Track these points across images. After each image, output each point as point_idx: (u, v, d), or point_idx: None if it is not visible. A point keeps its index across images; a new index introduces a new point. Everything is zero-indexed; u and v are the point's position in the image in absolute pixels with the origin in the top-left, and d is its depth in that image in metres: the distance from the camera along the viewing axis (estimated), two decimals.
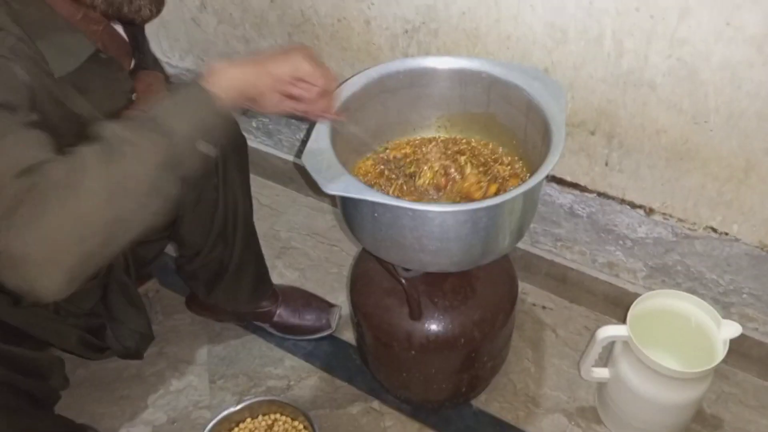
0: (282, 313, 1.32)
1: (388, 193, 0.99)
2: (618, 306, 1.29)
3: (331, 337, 1.33)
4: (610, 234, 1.23)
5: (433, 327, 1.04)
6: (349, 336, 1.33)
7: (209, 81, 0.74)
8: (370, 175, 1.04)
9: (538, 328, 1.33)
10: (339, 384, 1.26)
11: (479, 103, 1.05)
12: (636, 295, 1.20)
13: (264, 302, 1.31)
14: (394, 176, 1.03)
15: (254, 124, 1.61)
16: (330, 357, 1.31)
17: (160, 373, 1.29)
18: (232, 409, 1.13)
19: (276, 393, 1.24)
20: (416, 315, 1.04)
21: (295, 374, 1.28)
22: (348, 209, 0.92)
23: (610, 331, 1.05)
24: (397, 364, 1.11)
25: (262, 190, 1.65)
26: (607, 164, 1.13)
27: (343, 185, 0.82)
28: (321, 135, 0.90)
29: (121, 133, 0.69)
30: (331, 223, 1.58)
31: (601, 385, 1.17)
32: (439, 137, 1.11)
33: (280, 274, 1.46)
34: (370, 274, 1.12)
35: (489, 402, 1.22)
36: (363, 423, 1.20)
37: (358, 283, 1.13)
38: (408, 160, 1.06)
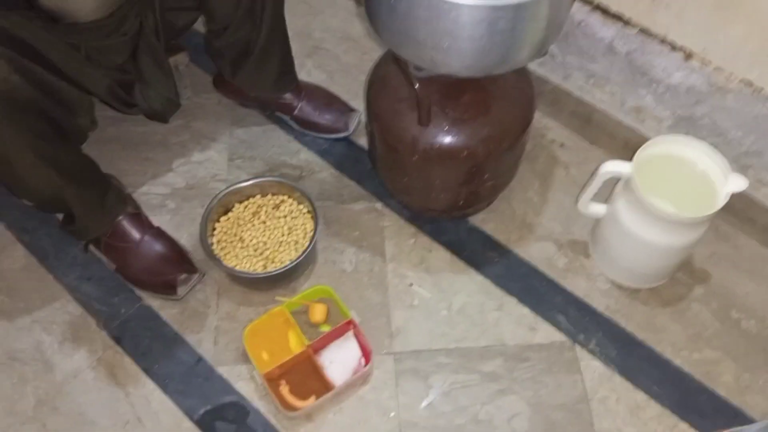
0: (303, 108, 1.35)
1: None
2: (636, 153, 1.28)
3: (347, 139, 1.37)
4: (645, 76, 1.19)
5: (439, 135, 1.06)
6: (364, 142, 1.37)
7: None
8: None
9: (551, 163, 1.34)
10: (347, 182, 1.32)
11: None
12: None
13: (287, 94, 1.33)
14: None
15: None
16: (343, 157, 1.35)
17: (184, 143, 1.36)
18: (244, 183, 1.21)
19: (288, 180, 1.31)
20: (424, 121, 1.05)
21: (308, 167, 1.34)
22: None
23: (613, 166, 1.06)
24: (401, 168, 1.15)
25: None
26: None
27: None
28: None
29: None
30: (366, 30, 1.56)
31: (596, 222, 1.20)
32: None
33: (308, 73, 1.47)
34: (388, 79, 1.12)
35: (485, 221, 1.27)
36: (363, 219, 1.27)
37: (374, 86, 1.14)
38: None
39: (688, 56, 1.09)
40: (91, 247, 1.21)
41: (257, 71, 1.25)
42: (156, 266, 1.14)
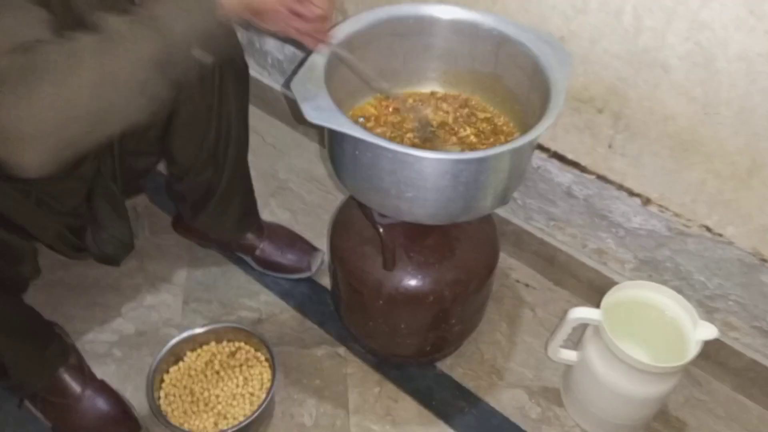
0: (265, 248, 1.32)
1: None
2: (601, 294, 1.25)
3: (309, 279, 1.33)
4: (604, 220, 1.20)
5: (405, 280, 1.03)
6: (327, 282, 1.33)
7: None
8: (367, 117, 1.03)
9: (517, 304, 1.32)
10: (309, 325, 1.27)
11: (487, 62, 1.02)
12: None
13: (249, 234, 1.31)
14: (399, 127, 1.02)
15: (269, 60, 1.59)
16: (305, 298, 1.31)
17: (137, 286, 1.30)
18: (198, 330, 1.14)
19: (246, 324, 1.25)
20: (389, 265, 1.03)
21: (268, 309, 1.29)
22: (332, 144, 0.91)
23: (581, 312, 1.03)
24: (365, 312, 1.11)
25: (269, 129, 1.64)
26: (610, 146, 1.10)
27: (326, 114, 0.81)
28: (316, 65, 0.88)
29: (119, 26, 0.70)
30: (330, 171, 1.57)
31: (567, 368, 1.15)
32: (439, 93, 1.09)
33: (271, 212, 1.46)
34: (352, 220, 1.10)
35: (453, 366, 1.21)
36: (325, 366, 1.20)
37: (338, 228, 1.12)
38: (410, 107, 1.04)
39: (646, 201, 1.12)
40: (27, 403, 1.10)
41: (218, 214, 1.23)
42: (96, 426, 1.04)
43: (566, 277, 1.32)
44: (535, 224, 1.32)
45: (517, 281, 1.36)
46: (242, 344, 1.17)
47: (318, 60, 0.89)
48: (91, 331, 1.23)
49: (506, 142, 1.00)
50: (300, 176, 1.55)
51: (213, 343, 1.16)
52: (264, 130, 1.64)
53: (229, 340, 1.17)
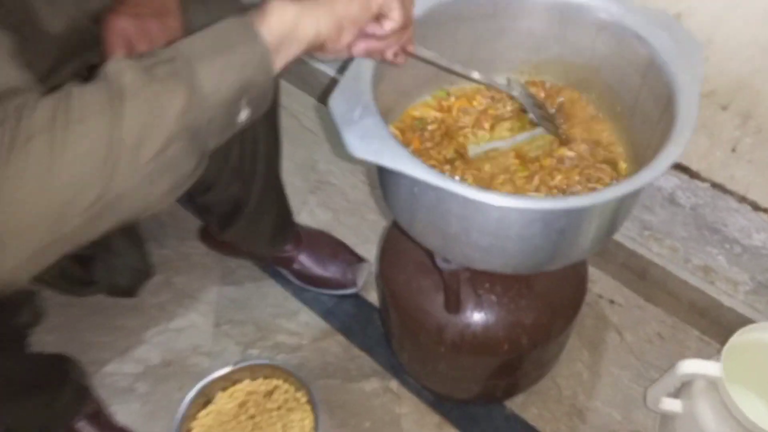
0: (304, 260, 1.15)
1: (439, 160, 0.77)
2: (704, 317, 1.06)
3: (355, 295, 1.16)
4: (716, 234, 0.98)
5: (472, 324, 0.85)
6: (375, 298, 1.16)
7: (264, 23, 0.52)
8: (422, 127, 0.82)
9: (600, 326, 1.12)
10: (355, 353, 1.10)
11: (581, 51, 0.79)
12: (732, 311, 0.97)
13: (285, 246, 1.13)
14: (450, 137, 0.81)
15: None
16: (351, 319, 1.14)
17: (163, 305, 1.15)
18: (229, 369, 0.99)
19: (285, 350, 1.09)
20: (453, 308, 0.84)
21: (309, 332, 1.12)
22: (382, 172, 0.71)
23: (695, 367, 0.83)
24: (422, 355, 0.93)
25: (306, 111, 1.44)
26: (734, 150, 0.87)
27: (377, 145, 0.61)
28: (361, 73, 0.67)
29: (133, 75, 0.47)
30: None
31: (668, 417, 0.96)
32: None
33: (310, 213, 1.27)
34: (406, 246, 0.91)
35: (526, 406, 1.03)
36: (376, 404, 1.04)
37: (388, 252, 0.94)
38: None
39: None
40: None
41: (250, 229, 1.05)
42: None
43: (660, 294, 1.11)
44: (624, 232, 1.10)
45: (600, 296, 1.15)
46: (281, 382, 1.01)
47: (364, 66, 0.68)
48: (112, 361, 1.09)
49: (607, 153, 0.78)
50: (342, 168, 1.35)
51: (247, 381, 1.01)
52: (300, 111, 1.44)
53: (265, 377, 1.01)
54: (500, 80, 0.85)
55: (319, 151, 1.37)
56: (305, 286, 1.16)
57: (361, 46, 0.61)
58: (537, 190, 0.74)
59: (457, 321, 0.85)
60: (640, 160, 0.74)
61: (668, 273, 1.07)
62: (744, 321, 0.98)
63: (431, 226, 0.68)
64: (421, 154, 0.79)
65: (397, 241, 0.93)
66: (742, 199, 0.91)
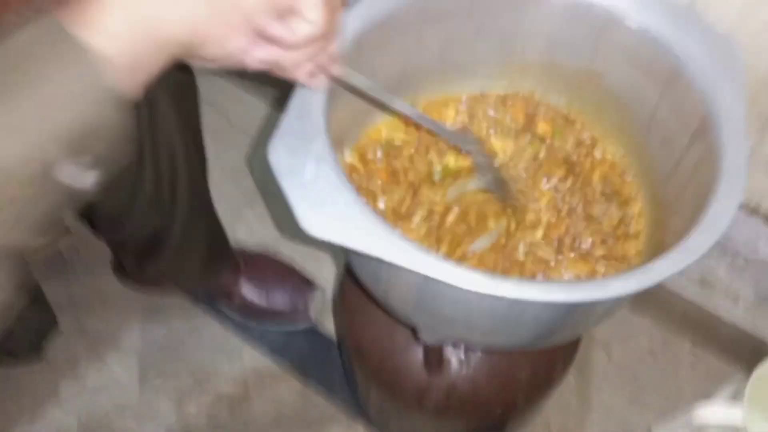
0: (244, 292, 0.97)
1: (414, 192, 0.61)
2: (699, 328, 0.96)
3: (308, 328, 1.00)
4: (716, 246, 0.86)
5: (459, 385, 0.71)
6: (331, 328, 1.00)
7: (96, 19, 0.32)
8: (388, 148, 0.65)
9: (585, 343, 1.00)
10: (314, 398, 0.94)
11: (578, 53, 0.63)
12: (733, 328, 0.87)
13: (220, 276, 0.95)
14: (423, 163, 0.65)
15: None
16: (305, 356, 0.98)
17: (74, 358, 0.96)
18: None
19: (228, 403, 0.93)
20: (434, 368, 0.69)
21: (256, 377, 0.96)
22: None
23: (713, 416, 0.72)
24: (397, 414, 0.79)
25: (234, 105, 1.23)
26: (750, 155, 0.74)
27: (340, 222, 0.44)
28: (309, 107, 0.50)
29: None
30: None
31: None
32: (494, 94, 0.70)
33: (248, 229, 1.09)
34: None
35: None
36: None
37: (348, 298, 0.77)
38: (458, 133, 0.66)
39: None
40: None
41: (175, 264, 0.87)
42: None
43: (649, 305, 1.00)
44: None
45: None
46: None
47: (310, 95, 0.50)
48: (19, 430, 0.90)
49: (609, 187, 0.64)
50: None
51: None
52: (227, 107, 1.23)
53: None
54: (473, 89, 0.69)
55: (253, 154, 1.18)
56: (248, 321, 0.99)
57: (258, 54, 0.41)
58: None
59: (440, 381, 0.71)
60: (659, 196, 0.61)
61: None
62: (743, 336, 0.88)
63: (418, 306, 0.52)
64: (391, 187, 0.63)
65: (361, 293, 0.77)
66: (754, 212, 0.79)
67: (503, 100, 0.70)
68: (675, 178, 0.59)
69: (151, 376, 0.95)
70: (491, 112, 0.70)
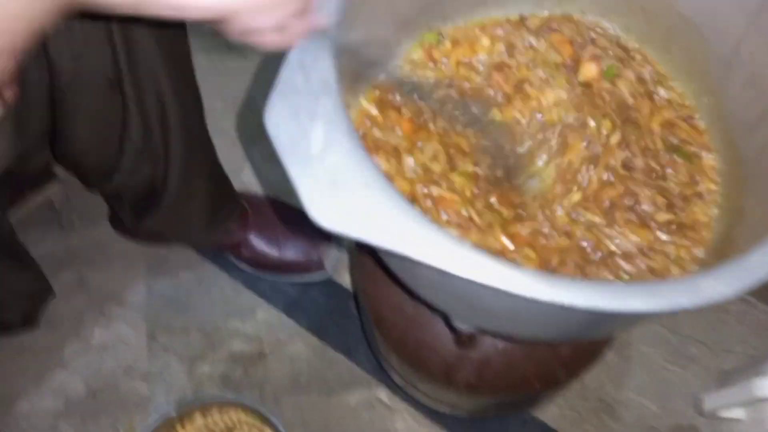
0: (254, 242, 0.90)
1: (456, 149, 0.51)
2: None
3: (325, 280, 0.92)
4: None
5: (492, 361, 0.63)
6: (348, 280, 0.93)
7: None
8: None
9: None
10: (332, 356, 0.88)
11: None
12: None
13: (226, 227, 0.87)
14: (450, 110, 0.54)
15: None
16: (322, 312, 0.91)
17: (78, 314, 0.90)
18: (174, 413, 0.77)
19: (243, 362, 0.87)
20: (466, 343, 0.62)
21: (271, 335, 0.90)
22: None
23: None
24: (427, 384, 0.72)
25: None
26: None
27: (357, 209, 0.35)
28: (313, 49, 0.40)
29: None
30: None
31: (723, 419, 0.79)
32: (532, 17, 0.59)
33: (255, 172, 1.00)
34: None
35: (545, 406, 0.85)
36: (364, 419, 0.85)
37: (363, 262, 0.69)
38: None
39: None
40: None
41: (175, 216, 0.79)
42: None
43: None
44: None
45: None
46: (241, 415, 0.80)
47: (315, 39, 0.40)
48: (24, 396, 0.85)
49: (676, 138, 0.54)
50: None
51: (197, 416, 0.80)
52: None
53: (221, 410, 0.80)
54: (511, 12, 0.57)
55: (255, 84, 1.07)
56: (260, 273, 0.92)
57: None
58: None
59: (472, 356, 0.63)
60: (738, 152, 0.50)
61: None
62: None
63: (453, 297, 0.44)
64: (418, 138, 0.53)
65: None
66: None
67: (547, 25, 0.58)
68: (761, 130, 0.49)
69: (159, 334, 0.89)
70: (532, 41, 0.59)
